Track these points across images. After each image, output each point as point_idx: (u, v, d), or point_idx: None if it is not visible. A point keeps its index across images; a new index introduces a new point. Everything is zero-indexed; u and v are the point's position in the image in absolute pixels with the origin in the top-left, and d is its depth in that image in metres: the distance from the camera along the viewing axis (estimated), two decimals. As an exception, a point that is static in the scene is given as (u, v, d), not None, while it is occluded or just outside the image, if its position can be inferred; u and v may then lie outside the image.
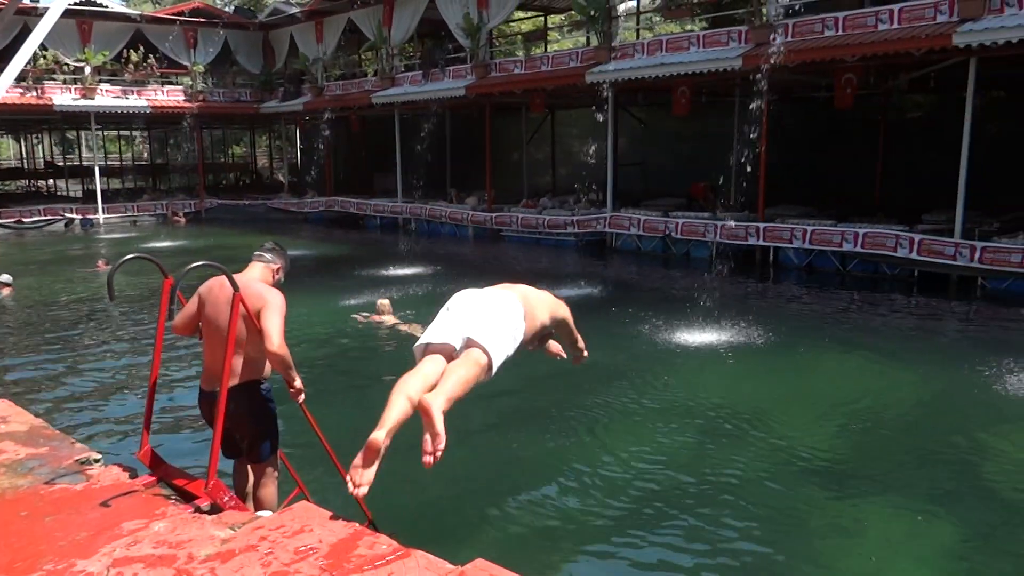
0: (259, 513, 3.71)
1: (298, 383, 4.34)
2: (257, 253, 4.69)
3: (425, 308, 12.22)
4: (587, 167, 19.34)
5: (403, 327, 10.66)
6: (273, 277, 4.64)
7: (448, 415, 2.88)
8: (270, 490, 4.64)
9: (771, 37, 15.12)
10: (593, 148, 19.32)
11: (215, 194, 32.00)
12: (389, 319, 10.90)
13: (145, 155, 40.89)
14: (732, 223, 15.91)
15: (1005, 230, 14.17)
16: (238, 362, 4.30)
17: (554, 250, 19.16)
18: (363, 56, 29.93)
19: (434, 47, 23.71)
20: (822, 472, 5.87)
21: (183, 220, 28.30)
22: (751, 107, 14.87)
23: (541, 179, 26.56)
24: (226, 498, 3.89)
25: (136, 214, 28.67)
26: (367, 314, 11.07)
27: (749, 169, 15.31)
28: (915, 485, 5.68)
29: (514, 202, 22.75)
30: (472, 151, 25.20)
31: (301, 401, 4.38)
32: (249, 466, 4.65)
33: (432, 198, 24.33)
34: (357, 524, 3.48)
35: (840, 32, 14.43)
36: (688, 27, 20.89)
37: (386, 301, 11.20)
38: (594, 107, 18.48)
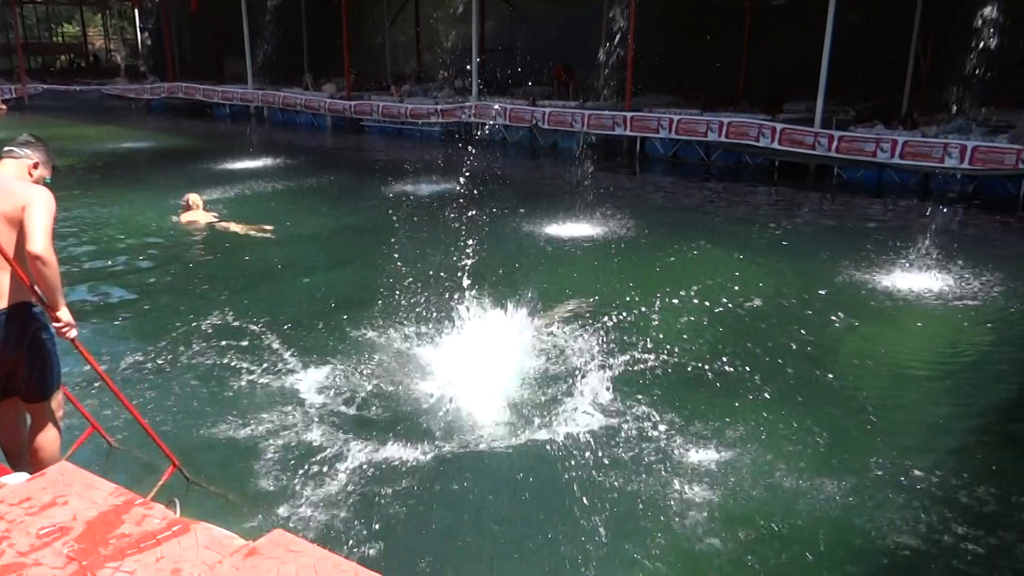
0: (4, 479, 2.97)
1: (65, 313, 3.52)
2: (7, 148, 3.75)
3: (267, 205, 11.26)
4: (453, 53, 18.33)
5: (222, 224, 9.70)
6: (30, 174, 3.72)
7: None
8: (53, 434, 3.86)
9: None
10: (458, 32, 18.20)
11: (40, 78, 28.53)
12: (203, 216, 9.86)
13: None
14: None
15: (861, 119, 14.41)
16: (1, 279, 3.45)
17: (418, 141, 18.23)
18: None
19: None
20: (676, 368, 5.64)
21: (4, 108, 25.11)
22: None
23: (405, 65, 25.18)
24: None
25: (-55, 101, 25.20)
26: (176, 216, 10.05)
27: (617, 56, 14.82)
28: (768, 382, 5.53)
29: (378, 89, 21.42)
30: (331, 33, 23.34)
31: (72, 337, 3.57)
32: (27, 408, 3.84)
33: (288, 84, 22.59)
34: (126, 490, 2.80)
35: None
36: None
37: (195, 195, 10.03)
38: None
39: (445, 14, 23.54)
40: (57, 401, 3.85)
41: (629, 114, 15.35)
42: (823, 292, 7.57)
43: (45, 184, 3.74)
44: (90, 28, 38.11)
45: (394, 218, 10.48)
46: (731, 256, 8.80)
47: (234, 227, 9.66)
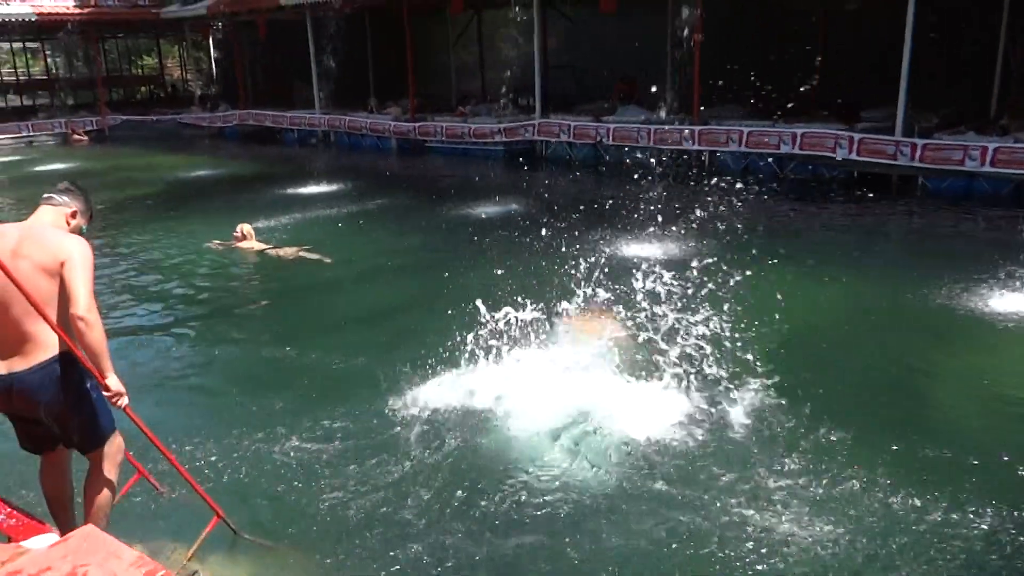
0: (28, 543, 2.79)
1: (114, 381, 3.32)
2: (46, 195, 3.63)
3: (328, 229, 11.21)
4: (516, 71, 18.16)
5: (273, 251, 9.68)
6: (68, 222, 3.58)
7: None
8: (107, 481, 3.65)
9: (705, -80, 13.95)
10: (522, 50, 18.07)
11: (121, 110, 29.62)
12: (253, 244, 9.88)
13: (38, 69, 37.65)
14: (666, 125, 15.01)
15: (944, 124, 13.63)
16: (38, 331, 3.30)
17: (481, 161, 18.05)
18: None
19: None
20: (757, 397, 5.21)
21: (86, 139, 26.12)
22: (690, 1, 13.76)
23: (470, 85, 25.12)
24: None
25: (32, 134, 26.34)
26: (221, 241, 10.15)
27: (684, 68, 14.45)
28: (858, 412, 5.07)
29: (444, 110, 21.43)
30: (396, 56, 23.52)
31: (123, 406, 3.39)
32: (87, 456, 3.67)
33: (354, 108, 22.82)
34: (149, 560, 2.57)
35: (779, -87, 13.31)
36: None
37: (246, 225, 10.16)
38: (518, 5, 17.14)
39: (508, 32, 23.47)
40: (115, 445, 3.66)
41: (697, 127, 14.87)
42: (916, 315, 7.03)
43: (81, 233, 3.59)
44: (168, 59, 39.50)
45: (454, 243, 10.32)
46: (815, 276, 8.31)
47: (286, 252, 9.62)
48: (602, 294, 6.30)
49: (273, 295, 8.37)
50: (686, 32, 14.14)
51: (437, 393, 5.51)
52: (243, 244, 9.88)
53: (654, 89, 15.38)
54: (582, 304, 6.21)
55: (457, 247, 10.05)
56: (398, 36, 21.79)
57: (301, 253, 9.61)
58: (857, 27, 16.92)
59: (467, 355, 5.74)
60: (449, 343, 5.85)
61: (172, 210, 13.14)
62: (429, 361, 5.91)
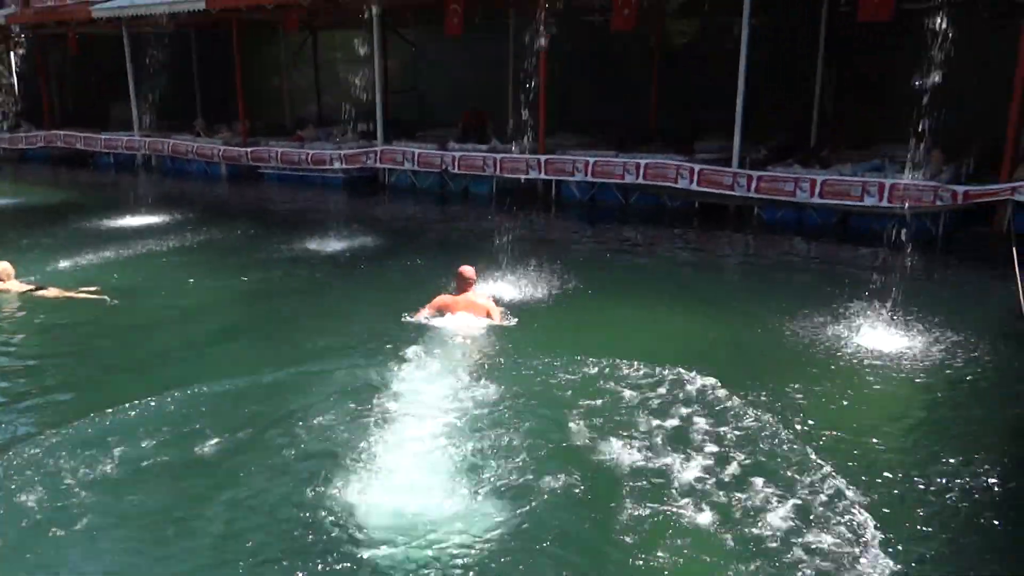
0: None
1: None
2: None
3: (144, 266, 9.97)
4: (355, 95, 17.37)
5: (40, 293, 8.36)
6: None
7: None
8: None
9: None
10: (361, 74, 17.33)
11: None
12: (15, 286, 8.48)
13: None
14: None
15: (772, 158, 14.16)
16: None
17: (320, 189, 17.12)
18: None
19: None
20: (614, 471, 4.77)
21: None
22: (532, 29, 13.56)
23: (305, 109, 24.06)
24: None
25: None
26: None
27: (527, 98, 14.25)
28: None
29: (278, 135, 20.25)
30: (225, 78, 22.06)
31: None
32: None
33: (179, 131, 21.10)
34: None
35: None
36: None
37: (5, 263, 8.62)
38: (359, 27, 16.43)
39: (346, 54, 22.67)
40: None
41: (543, 157, 14.66)
42: (758, 349, 6.96)
43: None
44: (-39, 73, 35.34)
45: (291, 279, 9.43)
46: (659, 309, 8.15)
47: (58, 293, 8.31)
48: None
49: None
50: (530, 60, 13.92)
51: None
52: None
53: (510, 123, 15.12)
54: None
55: (290, 286, 9.16)
56: (227, 55, 20.44)
57: (78, 293, 8.31)
58: (689, 61, 17.47)
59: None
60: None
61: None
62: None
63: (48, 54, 24.47)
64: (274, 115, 23.46)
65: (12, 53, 27.46)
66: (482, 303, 7.55)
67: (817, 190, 12.25)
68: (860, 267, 10.10)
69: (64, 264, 9.83)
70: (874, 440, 5.25)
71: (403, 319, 7.46)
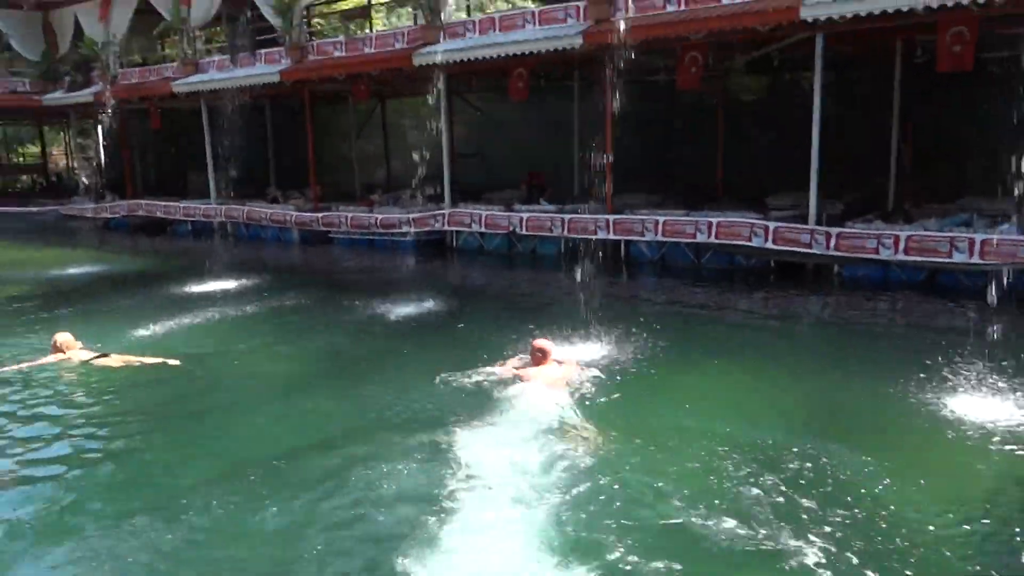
0: None
1: None
2: None
3: (216, 332, 10.00)
4: (423, 160, 17.66)
5: (103, 360, 8.28)
6: None
7: None
8: None
9: (612, 12, 13.85)
10: (428, 139, 17.64)
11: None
12: (76, 354, 8.40)
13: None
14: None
15: (850, 213, 13.69)
16: None
17: (390, 252, 17.24)
18: (163, 41, 26.39)
19: (239, 27, 20.91)
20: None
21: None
22: (597, 90, 13.59)
23: (374, 174, 24.54)
24: None
25: None
26: (28, 358, 8.50)
27: (595, 158, 14.23)
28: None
29: (347, 200, 20.65)
30: (297, 146, 22.74)
31: None
32: None
33: (253, 198, 21.71)
34: None
35: (683, 7, 13.33)
36: (523, 3, 19.48)
37: (63, 335, 8.51)
38: (426, 94, 16.73)
39: (413, 120, 23.13)
40: None
41: (612, 217, 14.47)
42: (849, 417, 6.53)
43: None
44: (54, 148, 37.38)
45: (361, 346, 9.33)
46: (742, 375, 7.73)
47: (117, 362, 8.27)
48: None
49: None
50: (593, 120, 13.91)
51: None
52: (59, 356, 8.35)
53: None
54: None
55: (358, 351, 9.07)
56: (300, 124, 21.06)
57: (143, 359, 8.30)
58: (754, 117, 17.26)
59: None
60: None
61: (40, 311, 11.59)
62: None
63: (131, 127, 25.59)
64: (344, 181, 23.90)
65: (99, 128, 28.96)
66: (559, 375, 7.27)
67: (902, 247, 11.72)
68: (955, 327, 9.56)
69: (141, 331, 9.92)
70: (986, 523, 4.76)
71: (475, 374, 7.37)
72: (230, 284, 13.49)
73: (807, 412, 6.73)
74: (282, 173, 24.77)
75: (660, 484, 5.26)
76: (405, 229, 17.40)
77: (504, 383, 7.22)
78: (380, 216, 17.86)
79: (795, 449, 5.75)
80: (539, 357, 7.38)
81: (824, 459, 5.56)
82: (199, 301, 12.00)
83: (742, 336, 9.59)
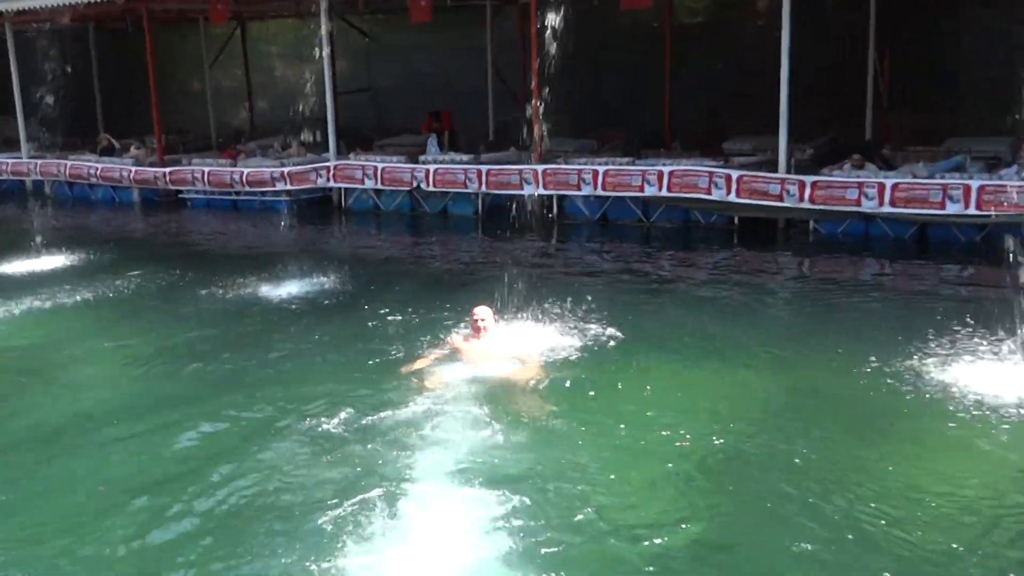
0: None
1: None
2: None
3: (30, 326, 9.30)
4: (298, 99, 16.94)
5: None
6: None
7: None
8: None
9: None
10: (304, 72, 17.01)
11: None
12: None
13: None
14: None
15: (821, 159, 13.82)
16: None
17: (260, 217, 16.55)
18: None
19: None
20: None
21: None
22: (515, 9, 13.23)
23: (235, 117, 23.65)
24: None
25: None
26: None
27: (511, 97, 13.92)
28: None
29: (203, 151, 19.85)
30: (134, 82, 21.60)
31: None
32: None
33: (78, 150, 20.49)
34: None
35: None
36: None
37: None
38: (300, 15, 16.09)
39: (284, 48, 22.33)
40: None
41: (541, 167, 14.18)
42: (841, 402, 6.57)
43: None
44: None
45: (231, 335, 8.83)
46: (705, 358, 7.67)
47: None
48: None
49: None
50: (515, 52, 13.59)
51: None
52: None
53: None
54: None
55: (231, 344, 8.54)
56: (136, 55, 19.94)
57: None
58: (708, 45, 17.24)
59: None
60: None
61: None
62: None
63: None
64: (197, 127, 23.03)
65: None
66: (500, 355, 7.33)
67: (887, 197, 11.85)
68: (951, 289, 9.80)
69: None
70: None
71: (402, 370, 7.29)
72: (51, 263, 12.58)
73: (784, 403, 6.66)
74: (116, 117, 23.48)
75: (623, 492, 5.20)
76: (279, 187, 16.74)
77: (434, 367, 7.23)
78: (246, 171, 17.09)
79: (772, 448, 5.75)
80: (477, 329, 7.46)
81: (812, 456, 5.59)
82: (8, 288, 11.11)
83: (703, 311, 9.37)
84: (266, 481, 5.50)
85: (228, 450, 6.05)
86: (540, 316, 8.45)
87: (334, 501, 5.13)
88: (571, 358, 7.58)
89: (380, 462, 5.66)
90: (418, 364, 7.38)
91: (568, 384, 7.01)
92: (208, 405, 6.94)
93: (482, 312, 7.56)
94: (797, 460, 5.57)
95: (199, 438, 6.33)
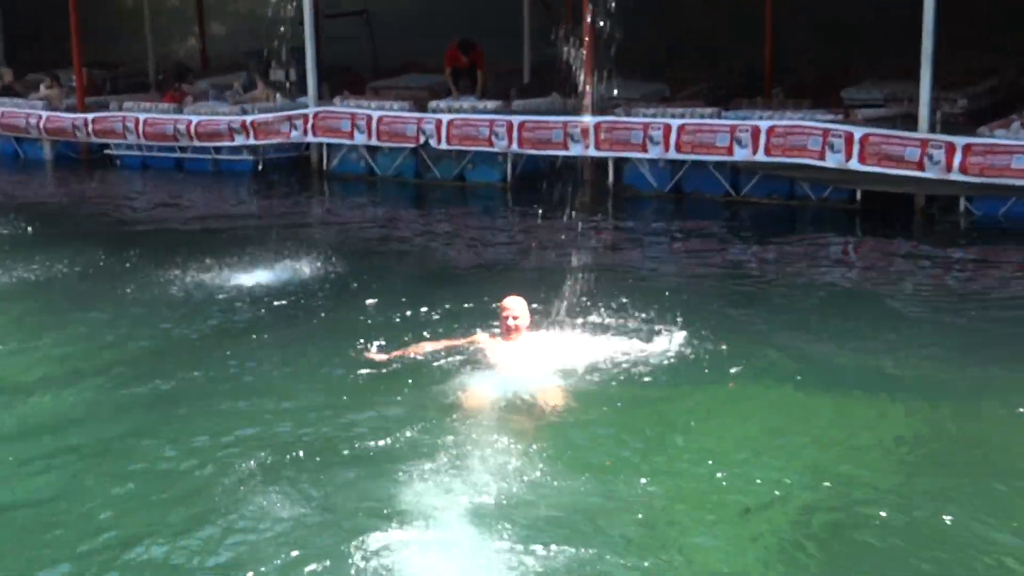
0: None
1: None
2: None
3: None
4: (266, 22, 17.19)
5: None
6: None
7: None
8: None
9: None
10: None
11: None
12: None
13: None
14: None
15: (978, 114, 13.84)
16: None
17: (213, 183, 16.82)
18: None
19: None
20: None
21: None
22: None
23: (181, 47, 23.98)
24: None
25: None
26: None
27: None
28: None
29: (138, 91, 20.32)
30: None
31: None
32: None
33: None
34: None
35: None
36: None
37: None
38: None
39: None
40: None
41: (594, 119, 14.31)
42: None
43: None
44: None
45: (191, 343, 9.01)
46: (817, 392, 7.64)
47: None
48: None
49: None
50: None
51: None
52: None
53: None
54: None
55: (201, 349, 8.74)
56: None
57: None
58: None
59: None
60: None
61: None
62: None
63: None
64: (131, 59, 23.40)
65: None
66: (537, 363, 7.54)
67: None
68: None
69: None
70: None
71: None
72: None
73: (925, 452, 6.66)
74: (19, 44, 23.99)
75: (697, 560, 5.23)
76: (239, 142, 16.98)
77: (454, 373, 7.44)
78: (194, 120, 17.37)
79: (907, 512, 5.72)
80: (509, 327, 7.61)
81: (965, 529, 5.54)
82: None
83: (811, 323, 9.44)
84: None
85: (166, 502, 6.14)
86: (589, 319, 8.57)
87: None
88: (630, 374, 7.66)
89: (376, 504, 5.75)
90: (425, 347, 7.82)
91: (625, 407, 7.09)
92: (142, 436, 7.07)
93: (514, 305, 7.69)
94: (941, 532, 5.54)
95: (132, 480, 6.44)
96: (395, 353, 7.69)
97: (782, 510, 5.76)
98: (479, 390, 7.20)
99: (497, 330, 7.91)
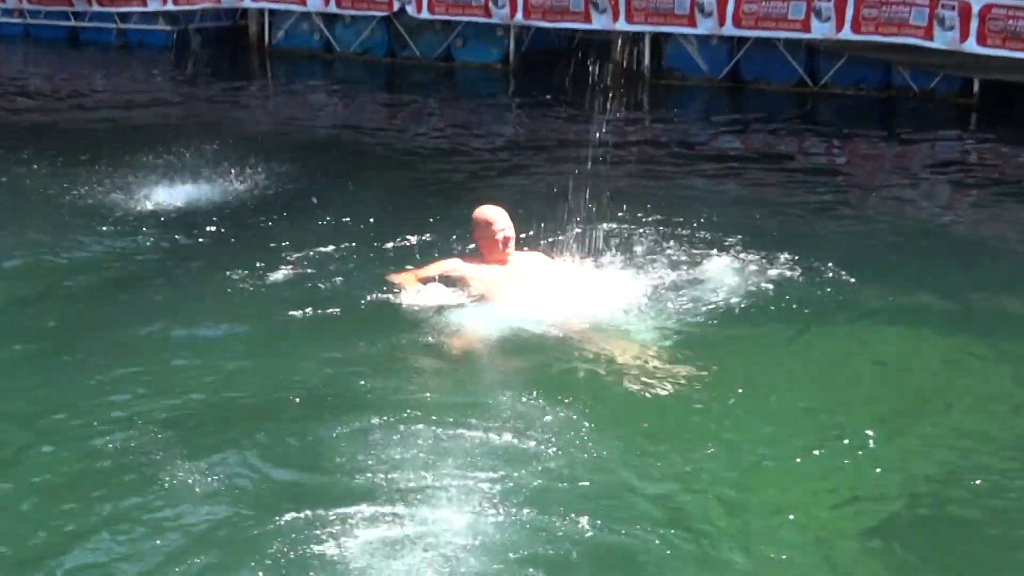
0: None
1: None
2: None
3: None
4: None
5: None
6: None
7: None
8: None
9: None
10: None
11: None
12: None
13: None
14: None
15: None
16: None
17: (118, 61, 16.98)
18: None
19: None
20: None
21: None
22: None
23: None
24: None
25: None
26: None
27: None
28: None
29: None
30: None
31: None
32: None
33: None
34: None
35: None
36: None
37: None
38: None
39: None
40: None
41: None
42: None
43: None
44: None
45: (99, 266, 9.14)
46: (920, 341, 7.82)
47: None
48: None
49: None
50: None
51: None
52: None
53: None
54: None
55: (102, 279, 8.88)
56: None
57: None
58: None
59: None
60: None
61: None
62: None
63: None
64: None
65: None
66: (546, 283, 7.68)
67: None
68: None
69: None
70: None
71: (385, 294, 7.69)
72: None
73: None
74: None
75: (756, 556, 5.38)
76: (152, 7, 17.15)
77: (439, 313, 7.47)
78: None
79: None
80: (496, 242, 7.70)
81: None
82: None
83: (915, 249, 9.62)
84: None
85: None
86: (617, 242, 8.71)
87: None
88: (676, 311, 7.75)
89: (354, 482, 5.84)
90: (401, 279, 7.87)
91: (672, 352, 7.09)
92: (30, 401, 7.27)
93: (501, 216, 7.78)
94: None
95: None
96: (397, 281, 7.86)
97: (878, 496, 5.94)
98: (473, 325, 7.33)
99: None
